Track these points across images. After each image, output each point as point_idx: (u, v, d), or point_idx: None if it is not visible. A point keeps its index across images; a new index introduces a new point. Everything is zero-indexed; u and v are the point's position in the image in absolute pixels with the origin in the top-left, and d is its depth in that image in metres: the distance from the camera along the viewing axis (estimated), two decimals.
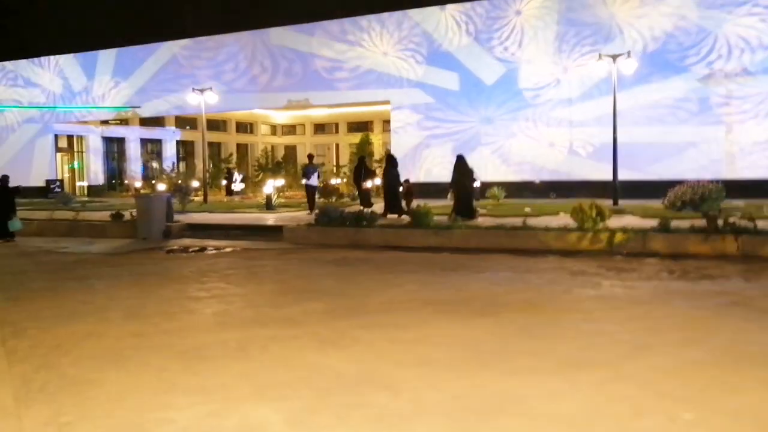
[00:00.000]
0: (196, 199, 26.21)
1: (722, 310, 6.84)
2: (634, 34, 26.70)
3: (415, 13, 30.38)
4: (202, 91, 28.32)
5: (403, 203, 18.36)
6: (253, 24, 33.71)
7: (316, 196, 21.48)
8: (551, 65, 28.15)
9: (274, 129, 47.90)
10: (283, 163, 37.60)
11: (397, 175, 18.39)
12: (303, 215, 18.72)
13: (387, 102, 31.15)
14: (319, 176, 22.03)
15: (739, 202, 19.60)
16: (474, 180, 17.83)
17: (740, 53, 25.27)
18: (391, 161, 18.85)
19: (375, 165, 31.04)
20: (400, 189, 18.69)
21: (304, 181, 20.96)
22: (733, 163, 25.77)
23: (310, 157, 22.00)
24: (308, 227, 14.94)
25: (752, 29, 25.03)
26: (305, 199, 21.26)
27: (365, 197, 19.59)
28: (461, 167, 16.80)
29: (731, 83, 25.48)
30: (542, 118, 28.64)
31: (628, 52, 19.93)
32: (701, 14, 25.66)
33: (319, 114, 42.04)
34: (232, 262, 11.76)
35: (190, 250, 13.73)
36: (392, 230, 13.93)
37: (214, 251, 13.29)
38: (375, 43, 30.68)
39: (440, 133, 30.20)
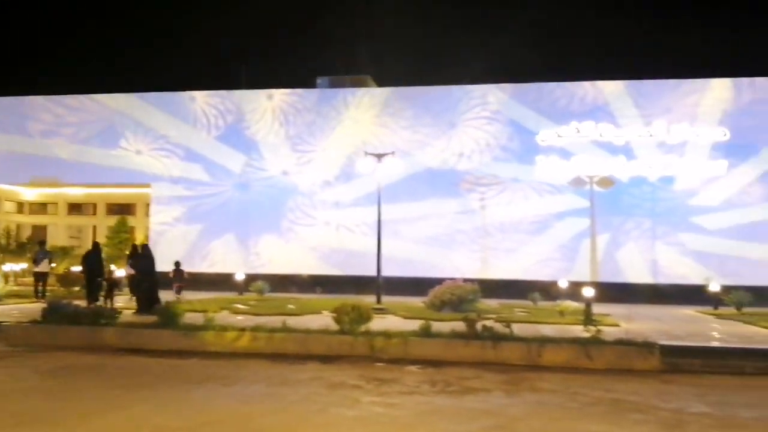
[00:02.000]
0: None
1: None
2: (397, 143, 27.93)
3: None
4: None
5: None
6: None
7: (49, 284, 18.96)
8: (324, 165, 28.63)
9: (20, 206, 42.73)
10: (28, 244, 33.22)
11: (145, 267, 16.60)
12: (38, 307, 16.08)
13: (148, 185, 29.35)
14: (50, 262, 19.56)
15: (494, 302, 20.44)
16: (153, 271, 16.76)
17: (483, 160, 27.44)
18: (139, 251, 17.15)
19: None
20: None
21: (35, 268, 18.42)
22: (486, 263, 27.26)
23: (41, 242, 19.81)
24: (32, 325, 12.60)
25: (488, 138, 27.47)
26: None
27: (93, 290, 17.30)
28: (144, 257, 16.05)
29: (485, 188, 27.36)
30: (310, 213, 28.60)
31: (393, 152, 20.35)
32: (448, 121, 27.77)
33: (75, 193, 38.27)
34: None
35: None
36: (136, 330, 12.14)
37: None
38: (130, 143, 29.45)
39: (207, 223, 29.08)
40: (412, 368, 9.88)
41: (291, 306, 18.08)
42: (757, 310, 19.61)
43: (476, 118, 27.72)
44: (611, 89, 27.27)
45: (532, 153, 27.34)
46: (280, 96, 29.18)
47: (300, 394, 8.00)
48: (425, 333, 11.17)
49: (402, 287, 23.96)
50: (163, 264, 19.92)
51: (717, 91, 26.49)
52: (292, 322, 12.63)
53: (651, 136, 26.60)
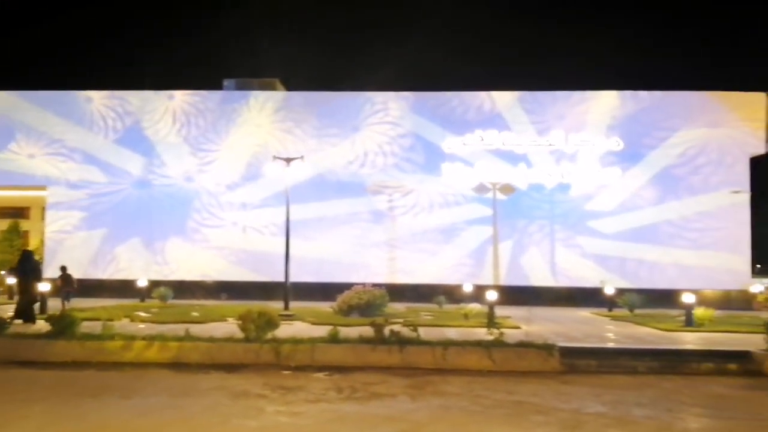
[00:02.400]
0: None
1: None
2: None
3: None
4: None
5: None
6: None
7: None
8: (229, 167, 28.12)
9: None
10: None
11: (29, 274, 15.73)
12: None
13: (44, 188, 27.96)
14: None
15: (401, 306, 20.64)
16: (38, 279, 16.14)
17: (389, 166, 27.73)
18: (25, 258, 16.27)
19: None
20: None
21: None
22: (394, 268, 27.50)
23: None
24: None
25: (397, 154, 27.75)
26: None
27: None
28: (26, 264, 15.42)
29: (392, 194, 27.62)
30: (217, 215, 28.05)
31: (302, 156, 20.20)
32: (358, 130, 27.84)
33: None
34: None
35: None
36: (27, 341, 11.47)
37: None
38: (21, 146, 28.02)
39: (111, 227, 28.01)
40: (319, 375, 9.80)
41: (195, 313, 17.62)
42: (648, 311, 20.69)
43: (379, 123, 27.99)
44: (508, 100, 28.16)
45: (438, 160, 27.82)
46: (182, 97, 28.43)
47: (202, 404, 7.77)
48: (333, 339, 11.11)
49: (310, 292, 23.83)
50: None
51: (606, 102, 27.86)
52: (196, 329, 12.29)
53: (550, 144, 27.62)
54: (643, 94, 27.87)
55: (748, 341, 12.28)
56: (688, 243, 26.96)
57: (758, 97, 27.30)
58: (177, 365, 10.40)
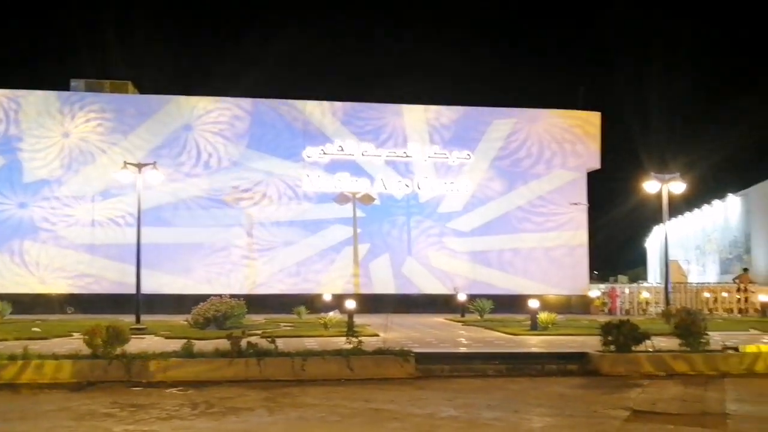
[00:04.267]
0: None
1: None
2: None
3: None
4: None
5: None
6: None
7: None
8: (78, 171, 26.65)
9: None
10: None
11: None
12: None
13: None
14: None
15: (260, 318, 20.36)
16: None
17: (248, 174, 27.34)
18: None
19: None
20: None
21: None
22: (253, 278, 27.13)
23: None
24: None
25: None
26: None
27: None
28: None
29: (250, 202, 27.28)
30: (64, 220, 26.50)
31: (154, 163, 19.41)
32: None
33: None
34: None
35: None
36: None
37: None
38: None
39: None
40: (173, 391, 9.47)
41: (36, 329, 16.43)
42: (498, 316, 21.76)
43: (221, 126, 27.45)
44: (359, 109, 28.69)
45: (298, 169, 27.80)
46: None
47: (41, 428, 7.27)
48: (187, 353, 10.77)
49: (164, 305, 22.98)
50: None
51: (459, 115, 29.05)
52: (38, 346, 11.48)
53: (407, 156, 28.40)
54: (487, 110, 29.30)
55: (586, 343, 13.21)
56: (535, 251, 28.59)
57: (594, 115, 29.54)
58: (13, 386, 9.68)
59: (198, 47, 68.46)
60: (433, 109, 29.00)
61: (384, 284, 27.87)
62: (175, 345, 11.70)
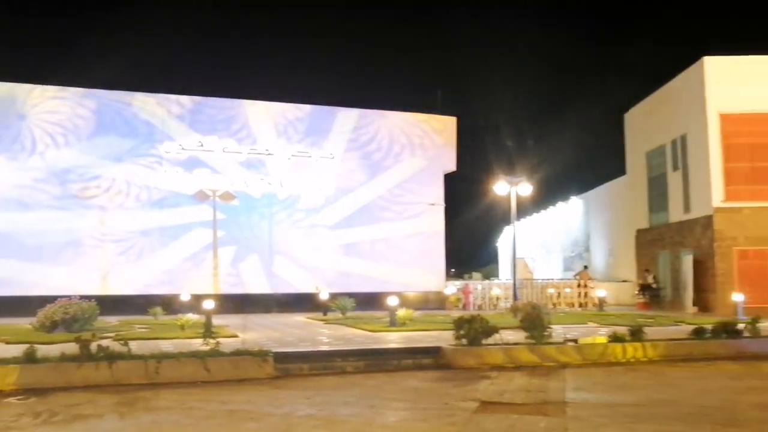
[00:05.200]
0: None
1: None
2: None
3: None
4: None
5: None
6: None
7: None
8: None
9: None
10: None
11: None
12: None
13: None
14: None
15: (114, 320, 19.46)
16: None
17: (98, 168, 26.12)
18: None
19: None
20: None
21: None
22: (107, 278, 25.87)
23: None
24: None
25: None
26: None
27: None
28: None
29: (101, 197, 26.04)
30: None
31: None
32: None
33: None
34: None
35: None
36: None
37: None
38: None
39: None
40: (11, 400, 8.88)
41: None
42: (359, 314, 22.12)
43: (59, 117, 26.02)
44: (247, 108, 28.23)
45: (156, 163, 26.82)
46: None
47: None
48: (29, 358, 10.12)
49: (6, 308, 21.43)
50: None
51: (341, 119, 29.24)
52: None
53: (271, 155, 28.19)
54: (347, 110, 29.65)
55: (441, 337, 13.77)
56: (394, 251, 29.28)
57: (450, 119, 30.67)
58: None
59: (48, 35, 64.18)
60: (292, 107, 28.91)
61: (247, 284, 27.50)
62: (17, 350, 10.96)
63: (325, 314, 23.00)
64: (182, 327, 16.30)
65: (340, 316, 22.02)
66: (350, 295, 23.81)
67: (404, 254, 29.29)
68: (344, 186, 29.06)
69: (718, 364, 12.48)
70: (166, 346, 12.90)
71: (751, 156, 23.83)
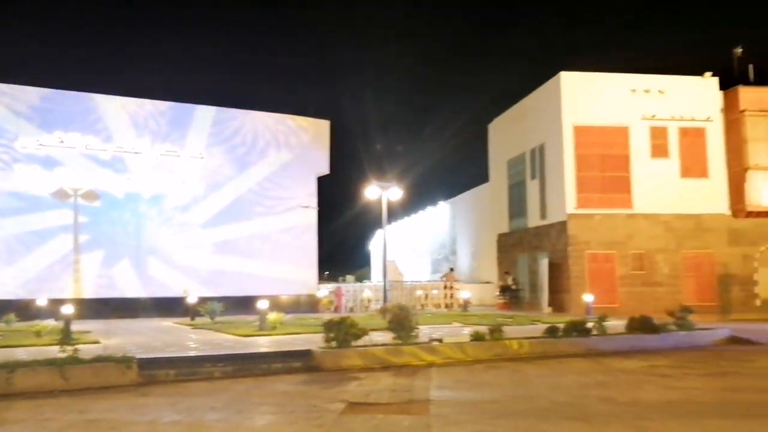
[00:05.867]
0: None
1: None
2: None
3: None
4: None
5: None
6: None
7: None
8: None
9: None
10: None
11: None
12: None
13: None
14: None
15: None
16: None
17: None
18: None
19: None
20: None
21: None
22: None
23: None
24: None
25: None
26: None
27: None
28: None
29: None
30: None
31: None
32: None
33: None
34: None
35: None
36: None
37: None
38: None
39: None
40: None
41: None
42: (229, 318, 21.78)
43: None
44: (104, 103, 27.00)
45: (9, 160, 25.13)
46: None
47: None
48: None
49: None
50: None
51: (197, 116, 28.56)
52: None
53: (137, 153, 27.18)
54: (234, 112, 29.20)
55: (311, 340, 13.86)
56: (266, 254, 29.05)
57: (324, 123, 30.85)
58: None
59: None
60: (148, 103, 28.01)
61: (114, 288, 26.34)
62: None
63: (192, 319, 22.44)
64: (38, 334, 15.42)
65: (209, 320, 21.58)
66: (222, 299, 23.40)
67: (277, 254, 29.11)
68: (213, 182, 28.48)
69: (570, 361, 13.39)
70: (20, 354, 12.19)
71: (602, 166, 25.67)
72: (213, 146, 28.54)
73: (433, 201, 44.68)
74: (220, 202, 28.59)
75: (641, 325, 15.75)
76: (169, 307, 25.39)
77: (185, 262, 27.68)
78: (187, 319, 22.50)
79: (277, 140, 29.70)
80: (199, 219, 28.17)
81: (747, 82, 26.79)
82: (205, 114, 28.63)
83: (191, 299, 23.59)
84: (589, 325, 15.33)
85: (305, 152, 30.09)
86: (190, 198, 28.09)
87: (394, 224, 51.30)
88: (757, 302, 25.89)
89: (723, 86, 26.59)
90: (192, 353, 13.18)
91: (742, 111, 25.83)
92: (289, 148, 29.85)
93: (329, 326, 12.67)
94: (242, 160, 29.05)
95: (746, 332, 17.49)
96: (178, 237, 27.77)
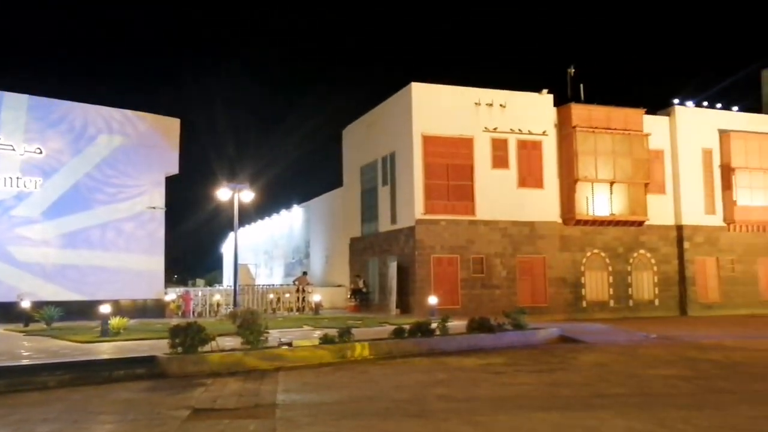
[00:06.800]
0: None
1: None
2: None
3: None
4: None
5: None
6: None
7: None
8: None
9: None
10: None
11: None
12: None
13: None
14: None
15: None
16: None
17: None
18: None
19: None
20: None
21: None
22: None
23: None
24: None
25: None
26: None
27: None
28: None
29: None
30: None
31: None
32: None
33: None
34: None
35: None
36: None
37: None
38: None
39: None
40: None
41: None
42: (68, 324, 20.64)
43: None
44: None
45: None
46: None
47: None
48: None
49: None
50: None
51: (24, 106, 26.66)
52: None
53: None
54: (67, 104, 27.50)
55: (156, 346, 13.56)
56: (110, 256, 27.67)
57: (174, 121, 29.83)
58: None
59: None
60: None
61: None
62: None
63: (26, 325, 21.02)
64: None
65: (46, 326, 20.32)
66: (62, 303, 22.07)
67: (121, 258, 27.74)
68: (43, 172, 26.53)
69: (414, 360, 14.05)
70: None
71: (447, 175, 26.85)
72: (27, 130, 26.33)
73: (287, 205, 44.64)
74: (54, 186, 26.60)
75: (479, 325, 16.79)
76: (6, 311, 23.56)
77: (17, 263, 25.76)
78: (19, 326, 21.05)
79: (111, 128, 28.07)
80: (34, 205, 26.14)
81: (579, 100, 29.11)
82: (10, 100, 26.34)
83: (25, 304, 22.10)
84: (433, 326, 16.12)
85: (155, 151, 28.84)
86: (17, 193, 25.99)
87: (247, 227, 50.67)
88: (584, 303, 28.20)
89: (557, 103, 28.69)
90: (25, 362, 12.47)
91: (574, 126, 28.02)
92: (137, 147, 28.52)
93: (175, 331, 12.48)
94: (73, 147, 27.21)
95: (573, 331, 19.14)
96: (9, 236, 25.79)
